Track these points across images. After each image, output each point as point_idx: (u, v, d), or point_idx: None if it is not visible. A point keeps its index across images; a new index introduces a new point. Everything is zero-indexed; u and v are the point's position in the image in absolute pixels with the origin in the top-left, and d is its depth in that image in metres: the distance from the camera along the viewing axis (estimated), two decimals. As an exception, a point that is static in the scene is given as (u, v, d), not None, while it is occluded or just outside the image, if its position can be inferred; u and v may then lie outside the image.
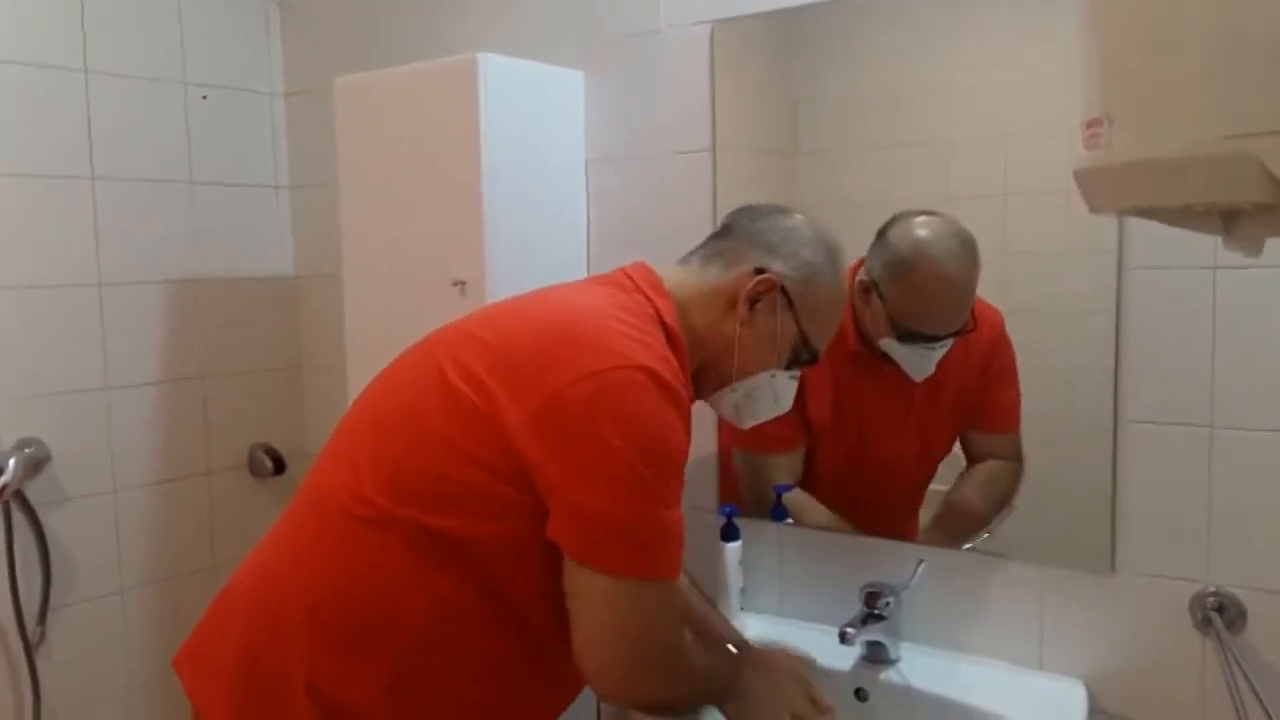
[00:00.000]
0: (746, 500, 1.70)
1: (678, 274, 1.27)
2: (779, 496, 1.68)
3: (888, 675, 1.48)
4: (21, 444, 1.92)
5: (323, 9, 2.25)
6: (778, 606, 1.69)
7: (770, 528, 1.69)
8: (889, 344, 1.52)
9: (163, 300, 2.13)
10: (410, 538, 1.08)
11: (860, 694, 1.47)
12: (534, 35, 1.88)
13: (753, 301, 1.24)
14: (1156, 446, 1.37)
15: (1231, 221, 0.84)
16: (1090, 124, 0.85)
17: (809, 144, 1.65)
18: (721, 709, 1.25)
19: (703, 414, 1.72)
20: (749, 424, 1.34)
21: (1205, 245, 1.27)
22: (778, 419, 1.36)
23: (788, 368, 1.30)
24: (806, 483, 1.67)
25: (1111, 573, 1.42)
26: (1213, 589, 1.35)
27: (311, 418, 2.39)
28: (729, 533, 1.65)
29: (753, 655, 1.38)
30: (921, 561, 1.49)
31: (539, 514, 1.07)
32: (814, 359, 1.30)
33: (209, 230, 2.21)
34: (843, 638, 1.41)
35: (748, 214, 1.32)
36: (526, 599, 1.12)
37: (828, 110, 1.62)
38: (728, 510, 1.65)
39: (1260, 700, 1.25)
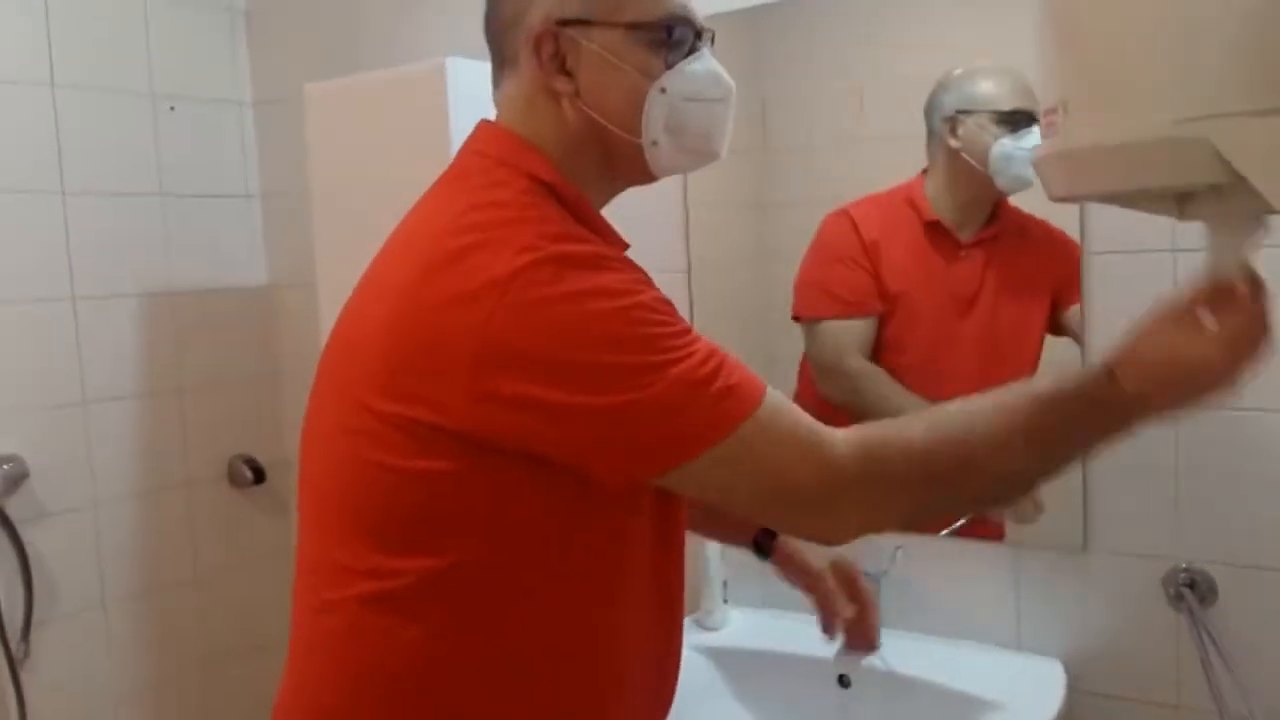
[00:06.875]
0: (816, 373, 1.64)
1: (508, 111, 1.03)
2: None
3: (870, 661, 1.50)
4: (-1, 461, 1.91)
5: (288, 18, 2.25)
6: (761, 598, 1.71)
7: (750, 520, 1.71)
8: (1001, 145, 1.48)
9: (137, 313, 2.13)
10: (369, 604, 0.92)
11: (844, 680, 1.49)
12: (502, 39, 1.89)
13: (561, 66, 0.98)
14: (1125, 427, 1.40)
15: (1185, 202, 0.87)
16: (1047, 113, 0.87)
17: (779, 141, 1.67)
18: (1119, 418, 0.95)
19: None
20: (719, 144, 1.06)
21: (1164, 229, 1.30)
22: (851, 284, 1.38)
23: (670, 66, 0.98)
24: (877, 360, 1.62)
25: (1084, 552, 1.44)
26: (1184, 565, 1.37)
27: (290, 426, 2.38)
28: (710, 526, 1.66)
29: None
30: (899, 548, 1.51)
31: (534, 491, 0.91)
32: (688, 27, 0.99)
33: (181, 241, 2.20)
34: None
35: (485, 8, 1.05)
36: (518, 627, 0.94)
37: (796, 107, 1.64)
38: (708, 504, 1.67)
39: (1231, 672, 1.28)
